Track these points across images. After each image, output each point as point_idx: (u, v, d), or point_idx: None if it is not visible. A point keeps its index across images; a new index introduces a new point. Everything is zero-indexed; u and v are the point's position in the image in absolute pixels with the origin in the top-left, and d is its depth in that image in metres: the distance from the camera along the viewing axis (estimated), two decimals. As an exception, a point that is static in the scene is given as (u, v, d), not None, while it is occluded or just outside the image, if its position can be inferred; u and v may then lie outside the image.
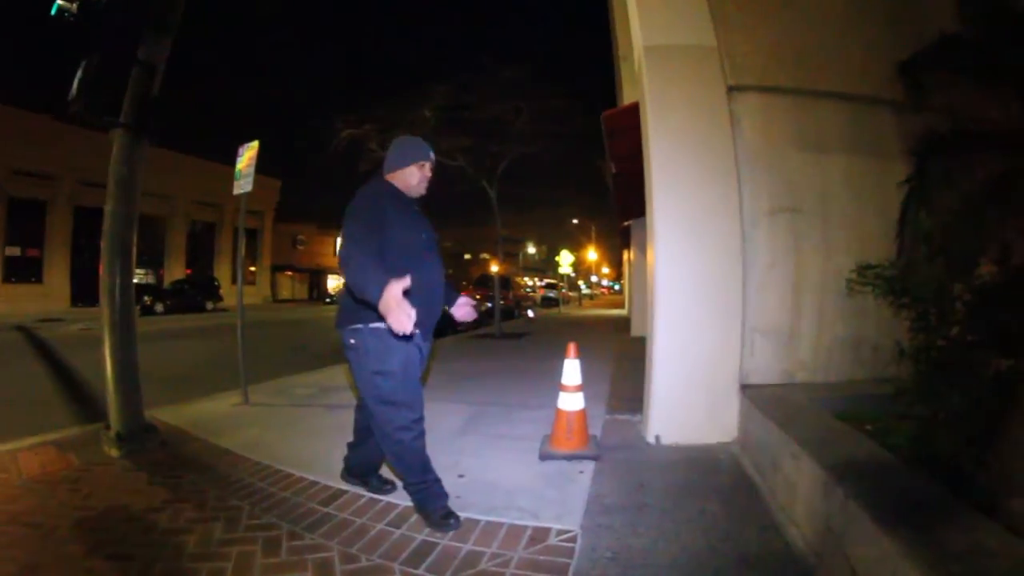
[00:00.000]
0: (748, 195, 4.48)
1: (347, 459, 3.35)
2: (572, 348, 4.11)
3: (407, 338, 2.60)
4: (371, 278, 2.39)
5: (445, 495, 2.91)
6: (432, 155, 2.99)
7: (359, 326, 2.73)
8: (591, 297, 53.74)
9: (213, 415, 5.14)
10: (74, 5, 3.80)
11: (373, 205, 2.73)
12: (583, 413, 4.07)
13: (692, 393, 4.29)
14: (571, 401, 4.04)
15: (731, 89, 4.56)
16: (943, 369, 2.79)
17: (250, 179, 5.71)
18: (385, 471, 3.34)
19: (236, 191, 5.80)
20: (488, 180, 14.00)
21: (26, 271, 26.81)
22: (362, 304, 2.58)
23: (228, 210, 37.28)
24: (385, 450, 2.93)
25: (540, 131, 13.52)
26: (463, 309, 3.20)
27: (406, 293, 2.38)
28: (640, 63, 4.72)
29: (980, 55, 3.92)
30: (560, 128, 13.52)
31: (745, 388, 4.29)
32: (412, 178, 2.95)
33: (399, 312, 2.29)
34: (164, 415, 4.96)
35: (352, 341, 2.78)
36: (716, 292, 4.34)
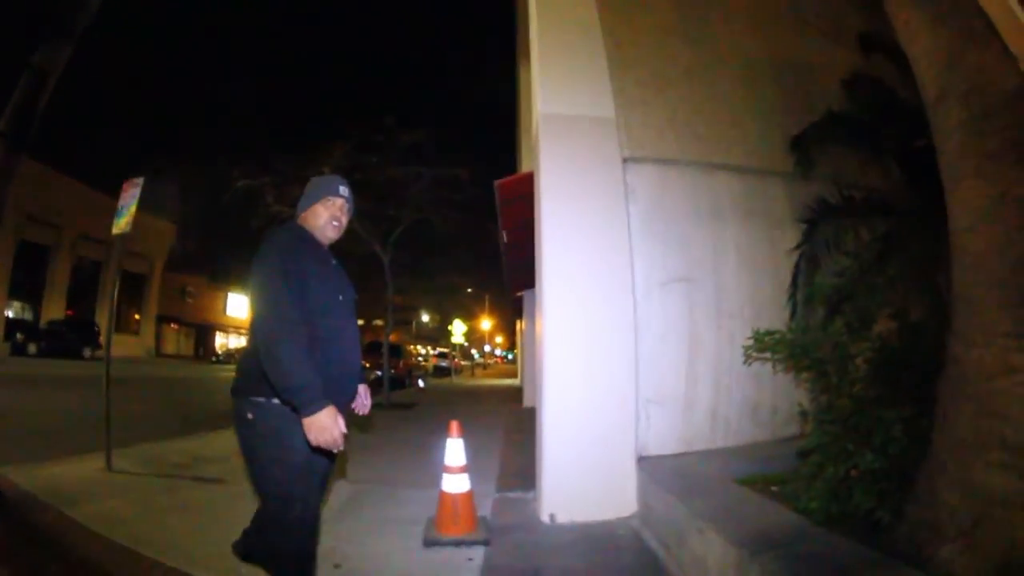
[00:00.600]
0: (641, 266, 4.46)
1: (250, 542, 2.69)
2: (455, 427, 3.83)
3: None
4: (308, 379, 2.03)
5: None
6: (343, 191, 2.57)
7: (261, 400, 2.20)
8: (484, 366, 53.72)
9: (71, 480, 4.56)
10: None
11: (289, 255, 2.25)
12: (470, 495, 3.75)
13: (586, 468, 4.06)
14: (455, 483, 3.71)
15: (627, 160, 4.58)
16: (853, 428, 2.74)
17: (130, 219, 5.28)
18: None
19: (115, 231, 5.31)
20: (382, 245, 13.70)
21: None
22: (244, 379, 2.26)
23: (124, 247, 34.18)
24: (266, 542, 2.41)
25: (437, 198, 13.53)
26: (360, 400, 2.71)
27: (321, 364, 2.09)
28: (536, 131, 4.68)
29: (864, 131, 4.21)
30: (458, 196, 13.60)
31: (642, 460, 4.12)
32: (319, 218, 2.51)
33: (334, 436, 2.02)
34: (16, 475, 4.44)
35: (250, 416, 2.23)
36: (608, 364, 4.21)
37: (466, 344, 38.08)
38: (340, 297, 2.44)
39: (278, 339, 2.07)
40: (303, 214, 2.56)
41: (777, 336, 3.20)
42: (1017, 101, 2.18)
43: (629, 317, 4.27)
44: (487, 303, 41.78)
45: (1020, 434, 2.07)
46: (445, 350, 38.41)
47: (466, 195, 13.56)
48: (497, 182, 7.67)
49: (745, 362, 4.12)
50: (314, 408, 1.99)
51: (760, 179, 4.87)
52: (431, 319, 40.78)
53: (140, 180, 5.32)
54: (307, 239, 2.47)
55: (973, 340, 2.28)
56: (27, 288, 29.08)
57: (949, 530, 2.19)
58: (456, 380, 30.40)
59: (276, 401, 2.15)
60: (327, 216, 2.51)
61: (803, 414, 3.11)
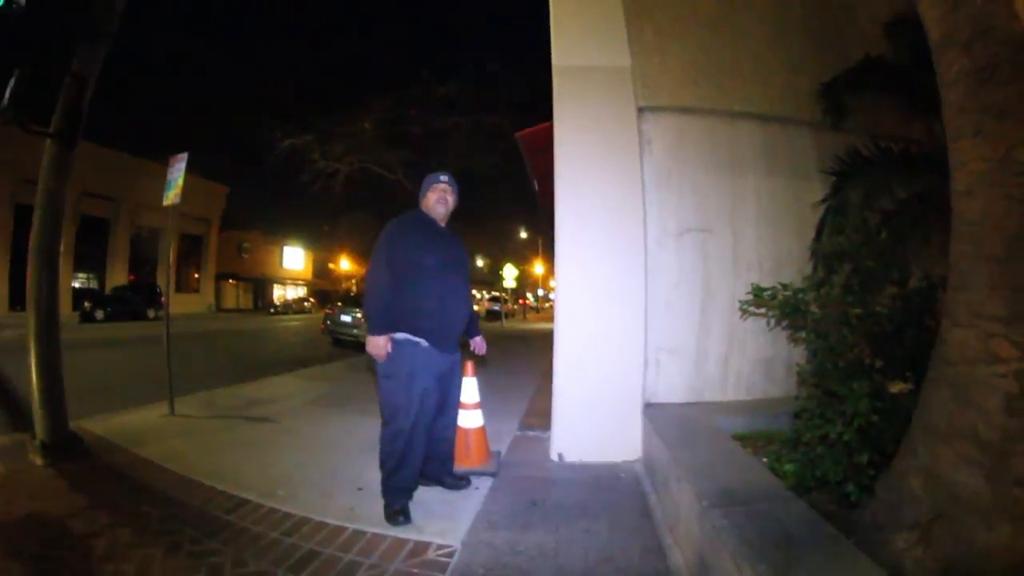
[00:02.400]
0: (655, 215, 4.43)
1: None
2: (469, 367, 4.01)
3: (418, 350, 3.12)
4: (377, 313, 3.07)
5: (406, 493, 3.16)
6: (443, 178, 3.46)
7: None
8: (537, 310, 53.88)
9: (139, 426, 5.12)
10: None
11: (391, 235, 3.18)
12: (482, 430, 4.00)
13: (595, 411, 4.17)
14: (470, 418, 3.96)
15: (642, 110, 4.50)
16: (831, 394, 2.68)
17: (179, 191, 5.73)
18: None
19: (165, 203, 5.77)
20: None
21: (-38, 272, 25.04)
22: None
23: (175, 216, 35.50)
24: (381, 436, 3.23)
25: (479, 146, 13.52)
26: (479, 345, 3.79)
27: (412, 308, 3.06)
28: (554, 83, 4.59)
29: (905, 79, 3.91)
30: (498, 143, 13.56)
31: (649, 407, 4.19)
32: (429, 201, 3.42)
33: (378, 351, 3.05)
34: (92, 425, 4.96)
35: None
36: (619, 311, 4.25)
37: (517, 288, 38.39)
38: (435, 258, 3.21)
39: (368, 289, 3.16)
40: (421, 201, 3.47)
41: (771, 292, 3.15)
42: None
43: (640, 266, 4.27)
44: (540, 247, 41.65)
45: (993, 431, 1.92)
46: (497, 294, 38.80)
47: (508, 142, 13.63)
48: (519, 134, 7.59)
49: (742, 317, 4.09)
50: (374, 333, 3.04)
51: (785, 128, 4.69)
52: (484, 264, 40.99)
53: (184, 155, 5.73)
54: (420, 218, 3.42)
55: (959, 319, 2.11)
56: (91, 259, 31.24)
57: (907, 518, 2.12)
58: (507, 324, 30.64)
59: (396, 336, 3.09)
60: (434, 198, 3.41)
61: (799, 374, 3.06)
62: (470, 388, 3.98)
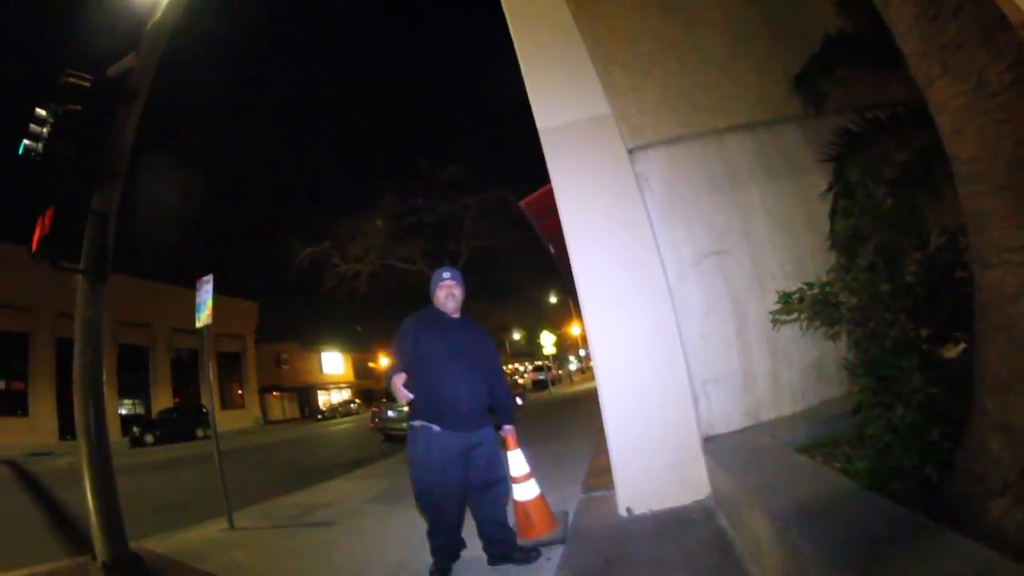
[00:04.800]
0: (668, 249, 4.40)
1: (484, 550, 3.57)
2: (511, 439, 3.87)
3: (432, 434, 3.30)
4: (389, 377, 3.29)
5: (445, 553, 3.44)
6: (445, 275, 3.68)
7: (410, 423, 3.45)
8: (582, 371, 53.14)
9: (199, 542, 5.18)
10: (39, 145, 4.21)
11: (400, 332, 3.52)
12: (540, 499, 3.85)
13: (654, 458, 4.02)
14: (523, 491, 3.84)
15: (632, 151, 4.54)
16: (884, 379, 2.53)
17: (209, 312, 5.96)
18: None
19: (199, 324, 6.01)
20: (450, 279, 14.27)
21: (11, 404, 25.80)
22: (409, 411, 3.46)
23: (210, 336, 36.65)
24: None
25: (491, 222, 13.82)
26: (506, 436, 3.81)
27: (423, 395, 3.27)
28: (543, 146, 4.69)
29: (870, 45, 3.86)
30: (508, 215, 13.86)
31: (707, 441, 4.04)
32: (438, 298, 3.66)
33: (396, 390, 3.22)
34: (152, 544, 5.01)
35: (409, 432, 3.49)
36: (655, 352, 4.16)
37: (556, 353, 38.26)
38: (449, 348, 3.45)
39: (387, 374, 3.38)
40: (432, 297, 3.70)
41: (799, 294, 3.04)
42: None
43: (666, 303, 4.21)
44: (571, 308, 41.55)
45: None
46: (540, 363, 38.65)
47: (517, 212, 13.96)
48: (522, 202, 7.73)
49: (774, 328, 3.95)
50: (391, 377, 3.25)
51: (772, 130, 4.67)
52: (521, 336, 41.01)
53: (209, 276, 5.99)
54: (430, 313, 3.67)
55: (988, 260, 2.03)
56: (134, 385, 32.08)
57: (996, 483, 1.97)
58: (554, 390, 30.37)
59: (414, 423, 3.37)
60: (442, 295, 3.63)
61: (847, 368, 2.92)
62: (517, 460, 3.86)
